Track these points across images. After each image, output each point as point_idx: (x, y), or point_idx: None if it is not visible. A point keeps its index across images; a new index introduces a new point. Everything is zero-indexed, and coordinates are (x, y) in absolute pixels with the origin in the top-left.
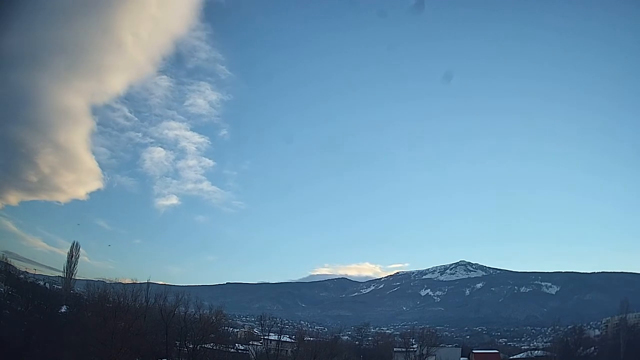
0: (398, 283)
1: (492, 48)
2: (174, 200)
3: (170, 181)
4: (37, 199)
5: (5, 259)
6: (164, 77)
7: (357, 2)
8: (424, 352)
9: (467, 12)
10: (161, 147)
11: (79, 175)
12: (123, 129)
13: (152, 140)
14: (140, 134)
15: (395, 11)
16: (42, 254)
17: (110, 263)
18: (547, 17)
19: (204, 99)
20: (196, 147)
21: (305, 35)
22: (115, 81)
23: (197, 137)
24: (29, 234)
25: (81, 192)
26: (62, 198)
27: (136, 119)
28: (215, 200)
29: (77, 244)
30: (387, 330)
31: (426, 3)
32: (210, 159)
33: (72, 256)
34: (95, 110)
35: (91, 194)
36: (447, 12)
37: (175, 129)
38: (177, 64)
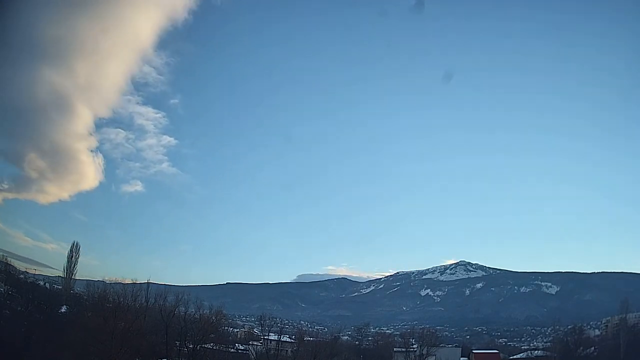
0: (398, 283)
1: (492, 46)
2: (138, 187)
3: (133, 165)
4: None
5: (5, 259)
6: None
7: (357, 2)
8: (424, 352)
9: (467, 9)
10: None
11: (67, 173)
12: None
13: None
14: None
15: (396, 10)
16: (24, 248)
17: (92, 258)
18: (548, 14)
19: (147, 63)
20: (154, 125)
21: (302, 33)
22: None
23: (152, 113)
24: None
25: (66, 190)
26: (46, 198)
27: None
28: (175, 186)
29: (77, 244)
30: (387, 330)
31: (426, 2)
32: (170, 136)
33: (72, 256)
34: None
35: (73, 191)
36: (447, 10)
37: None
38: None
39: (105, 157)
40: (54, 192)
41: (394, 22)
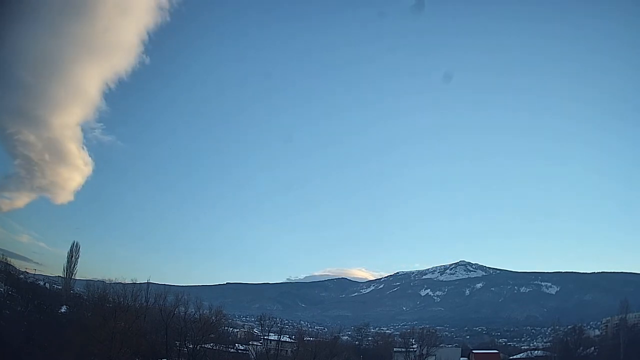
0: (398, 283)
1: (492, 46)
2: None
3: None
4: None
5: (5, 259)
6: None
7: (357, 2)
8: (424, 352)
9: (466, 9)
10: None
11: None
12: None
13: None
14: None
15: (395, 11)
16: (24, 248)
17: (92, 258)
18: (547, 14)
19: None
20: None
21: (302, 33)
22: None
23: None
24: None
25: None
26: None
27: None
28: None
29: (76, 244)
30: (387, 330)
31: (426, 3)
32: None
33: (72, 256)
34: None
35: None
36: (447, 10)
37: None
38: None
39: None
40: (50, 190)
41: (393, 22)
